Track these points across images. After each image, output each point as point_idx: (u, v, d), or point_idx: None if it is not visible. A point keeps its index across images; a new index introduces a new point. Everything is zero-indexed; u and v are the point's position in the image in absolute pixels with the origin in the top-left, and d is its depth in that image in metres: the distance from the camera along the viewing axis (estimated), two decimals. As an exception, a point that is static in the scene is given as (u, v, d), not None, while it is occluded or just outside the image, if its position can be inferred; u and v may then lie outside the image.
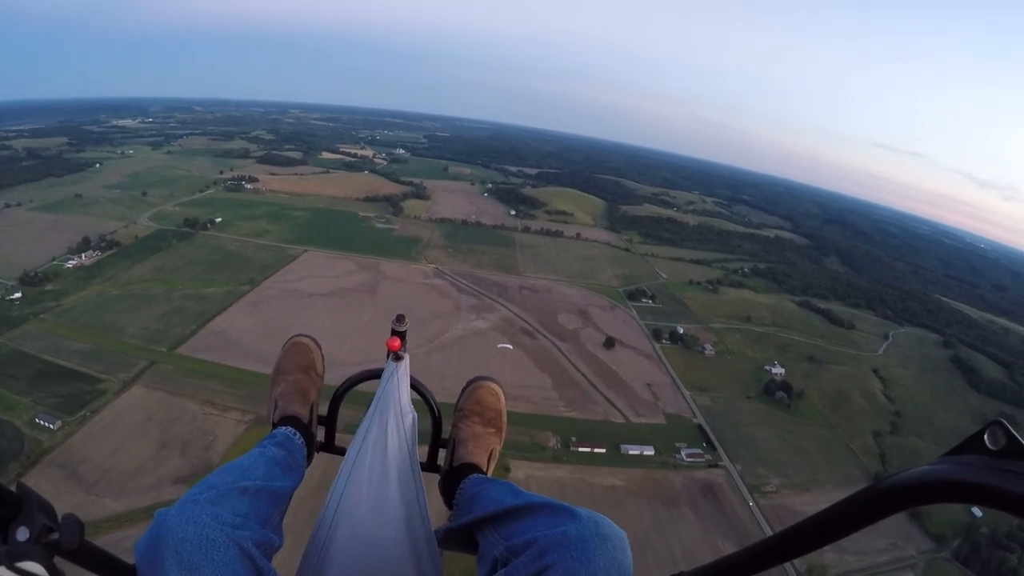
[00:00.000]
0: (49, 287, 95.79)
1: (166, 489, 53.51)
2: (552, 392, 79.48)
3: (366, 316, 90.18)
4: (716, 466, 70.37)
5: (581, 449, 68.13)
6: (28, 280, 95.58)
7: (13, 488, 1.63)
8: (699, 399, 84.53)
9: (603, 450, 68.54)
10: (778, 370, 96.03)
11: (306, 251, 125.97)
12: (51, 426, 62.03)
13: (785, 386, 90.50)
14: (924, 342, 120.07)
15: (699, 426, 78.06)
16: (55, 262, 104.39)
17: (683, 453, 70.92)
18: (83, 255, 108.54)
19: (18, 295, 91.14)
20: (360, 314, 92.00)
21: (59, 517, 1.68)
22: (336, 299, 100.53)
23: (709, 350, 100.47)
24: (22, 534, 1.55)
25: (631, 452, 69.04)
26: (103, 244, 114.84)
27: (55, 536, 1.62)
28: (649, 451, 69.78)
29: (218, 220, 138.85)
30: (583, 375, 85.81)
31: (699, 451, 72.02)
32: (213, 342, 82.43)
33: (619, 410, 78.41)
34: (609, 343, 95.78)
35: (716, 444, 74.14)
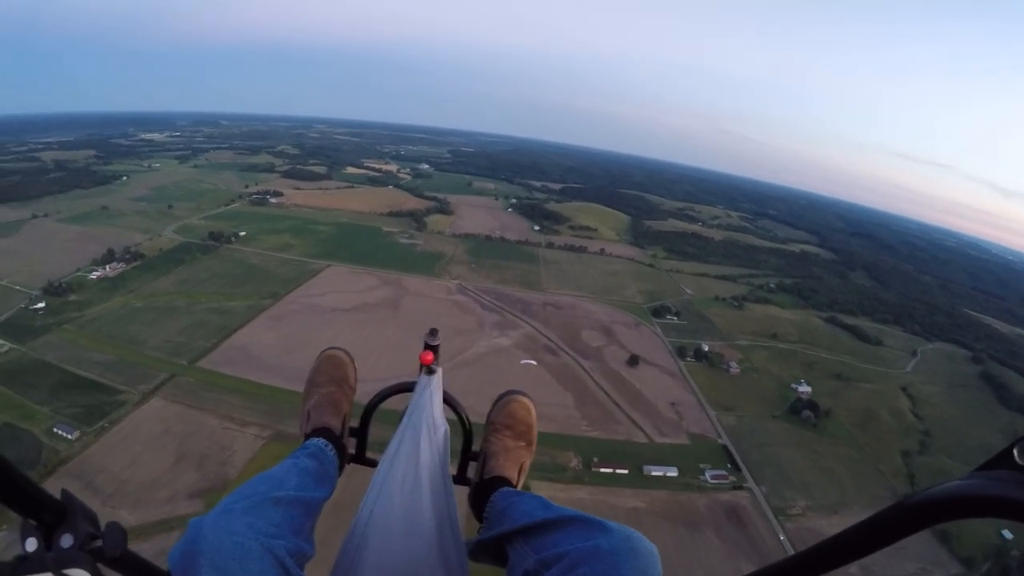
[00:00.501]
0: (73, 298, 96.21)
1: (181, 503, 52.94)
2: (574, 411, 78.27)
3: (388, 332, 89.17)
4: (741, 488, 68.48)
5: (603, 470, 66.68)
6: (52, 290, 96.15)
7: (58, 496, 1.67)
8: (724, 418, 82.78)
9: (625, 471, 66.95)
10: (804, 388, 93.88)
11: (329, 266, 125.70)
12: (69, 436, 61.92)
13: (812, 405, 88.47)
14: (953, 358, 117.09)
15: (724, 446, 76.26)
16: (79, 273, 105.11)
17: (707, 474, 69.18)
18: (107, 267, 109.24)
19: (42, 305, 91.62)
20: (383, 330, 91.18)
21: (102, 525, 1.72)
22: (359, 314, 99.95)
23: (734, 368, 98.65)
24: (67, 541, 1.59)
25: (654, 473, 67.44)
26: (127, 256, 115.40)
27: (99, 543, 1.65)
28: (672, 472, 68.12)
29: (242, 234, 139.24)
30: (606, 393, 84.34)
31: (723, 472, 70.20)
32: (234, 356, 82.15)
33: (642, 430, 76.88)
34: (633, 361, 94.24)
35: (741, 465, 72.33)
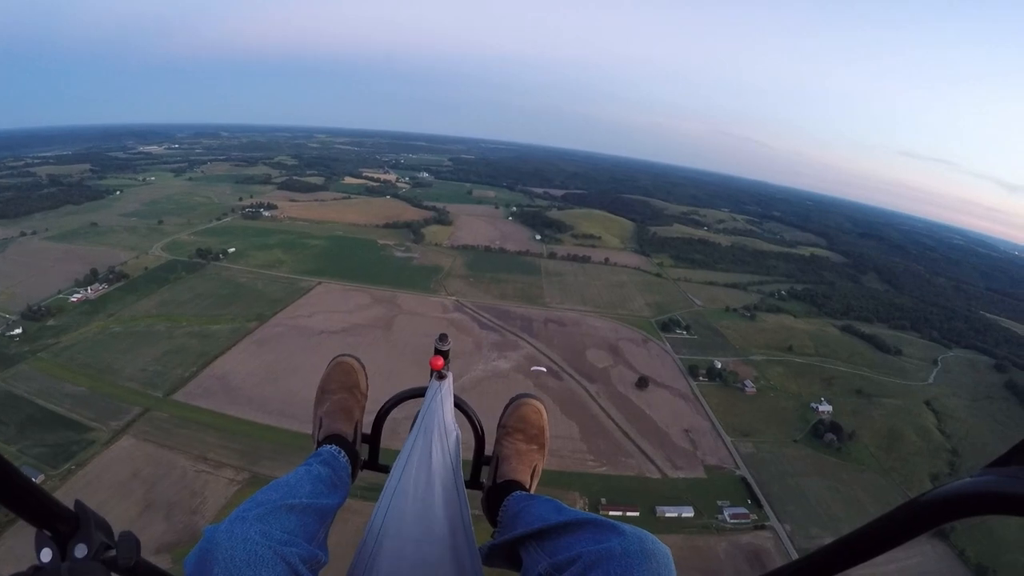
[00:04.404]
0: (51, 322, 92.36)
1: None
2: (580, 443, 72.54)
3: (379, 357, 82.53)
4: (763, 527, 62.76)
5: (612, 513, 59.94)
6: (30, 315, 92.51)
7: (71, 506, 1.71)
8: (742, 446, 77.16)
9: (636, 513, 60.88)
10: (825, 407, 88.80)
11: (320, 283, 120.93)
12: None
13: (834, 427, 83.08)
14: (975, 366, 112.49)
15: (743, 479, 70.61)
16: (60, 295, 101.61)
17: (726, 513, 63.45)
18: (89, 288, 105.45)
19: (18, 331, 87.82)
20: (372, 354, 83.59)
21: (115, 535, 1.77)
22: (348, 337, 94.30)
23: (750, 387, 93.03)
24: (80, 551, 1.63)
25: (668, 515, 61.69)
26: (111, 276, 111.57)
27: (112, 553, 1.70)
28: (688, 512, 62.48)
29: (231, 250, 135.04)
30: (614, 422, 78.68)
31: (744, 510, 64.35)
32: (212, 387, 77.43)
33: (654, 463, 71.11)
34: (642, 383, 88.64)
35: (762, 500, 66.65)
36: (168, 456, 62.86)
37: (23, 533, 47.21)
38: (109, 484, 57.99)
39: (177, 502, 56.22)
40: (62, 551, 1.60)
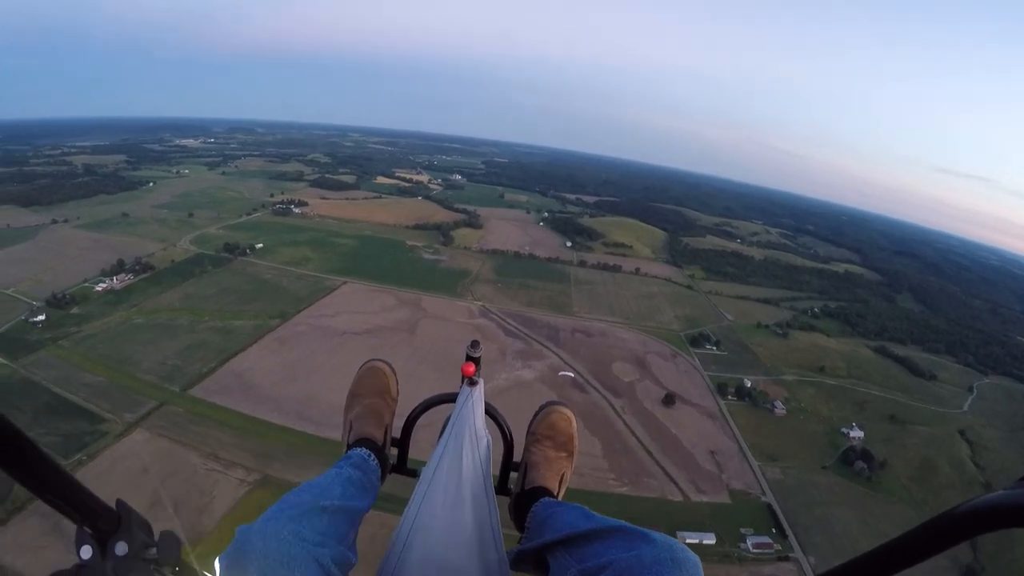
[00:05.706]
0: (75, 311, 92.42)
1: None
2: (602, 461, 69.85)
3: (401, 361, 79.50)
4: (786, 558, 59.59)
5: (630, 536, 58.31)
6: (54, 302, 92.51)
7: (112, 504, 1.76)
8: (768, 471, 74.01)
9: (656, 539, 58.53)
10: (856, 433, 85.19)
11: (346, 282, 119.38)
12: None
13: (865, 454, 79.60)
14: (1012, 395, 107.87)
15: (768, 505, 67.56)
16: (86, 284, 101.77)
17: (749, 542, 60.38)
18: (115, 278, 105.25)
19: (41, 318, 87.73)
20: (395, 358, 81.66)
21: (156, 534, 1.84)
22: (371, 339, 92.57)
23: (780, 408, 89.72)
24: (121, 549, 1.67)
25: (689, 540, 57.14)
26: (137, 267, 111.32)
27: (153, 552, 1.77)
28: (710, 539, 59.36)
29: (259, 246, 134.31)
30: (638, 439, 75.89)
31: (768, 539, 61.22)
32: (230, 383, 76.14)
33: (678, 485, 68.31)
34: (668, 400, 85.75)
35: (787, 529, 63.55)
36: (180, 452, 61.72)
37: (31, 520, 46.30)
38: (118, 478, 56.48)
39: (185, 500, 54.71)
40: (102, 549, 1.62)
